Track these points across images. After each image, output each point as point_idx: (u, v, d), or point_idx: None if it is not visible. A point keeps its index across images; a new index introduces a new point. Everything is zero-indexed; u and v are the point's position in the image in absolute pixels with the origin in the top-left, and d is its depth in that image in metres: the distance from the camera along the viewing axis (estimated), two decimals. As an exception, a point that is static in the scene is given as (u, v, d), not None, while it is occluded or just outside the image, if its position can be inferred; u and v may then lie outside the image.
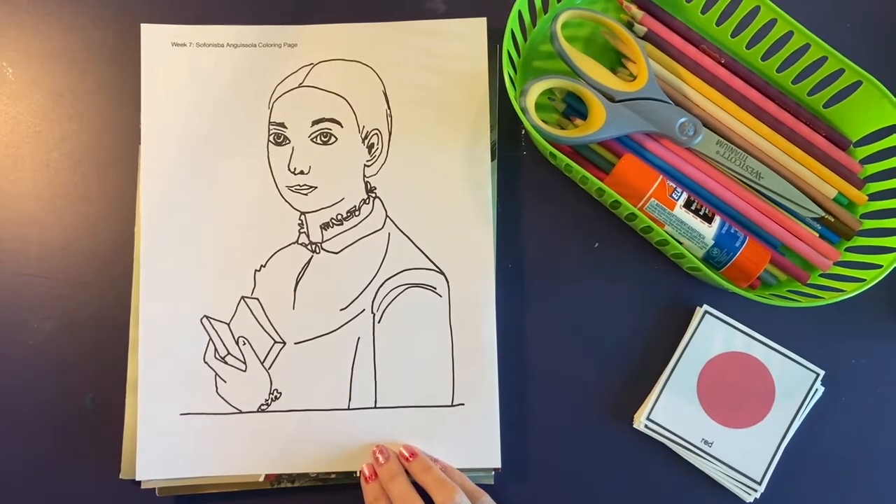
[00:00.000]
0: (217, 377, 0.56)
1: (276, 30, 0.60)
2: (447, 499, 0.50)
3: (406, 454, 0.54)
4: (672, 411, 0.57)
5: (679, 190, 0.56)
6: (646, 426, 0.57)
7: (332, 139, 0.58)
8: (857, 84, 0.57)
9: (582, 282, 0.59)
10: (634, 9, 0.60)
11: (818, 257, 0.58)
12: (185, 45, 0.59)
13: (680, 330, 0.58)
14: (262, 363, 0.56)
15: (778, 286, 0.58)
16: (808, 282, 0.57)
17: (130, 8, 0.61)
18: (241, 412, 0.55)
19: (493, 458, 0.55)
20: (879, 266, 0.54)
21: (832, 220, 0.58)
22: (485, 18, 0.59)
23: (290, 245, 0.57)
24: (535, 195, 0.60)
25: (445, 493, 0.50)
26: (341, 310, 0.56)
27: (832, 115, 0.60)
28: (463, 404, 0.56)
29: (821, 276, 0.58)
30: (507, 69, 0.56)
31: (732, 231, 0.56)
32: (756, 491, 0.56)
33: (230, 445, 0.55)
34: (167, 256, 0.57)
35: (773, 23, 0.57)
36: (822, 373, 0.57)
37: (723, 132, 0.59)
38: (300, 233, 0.57)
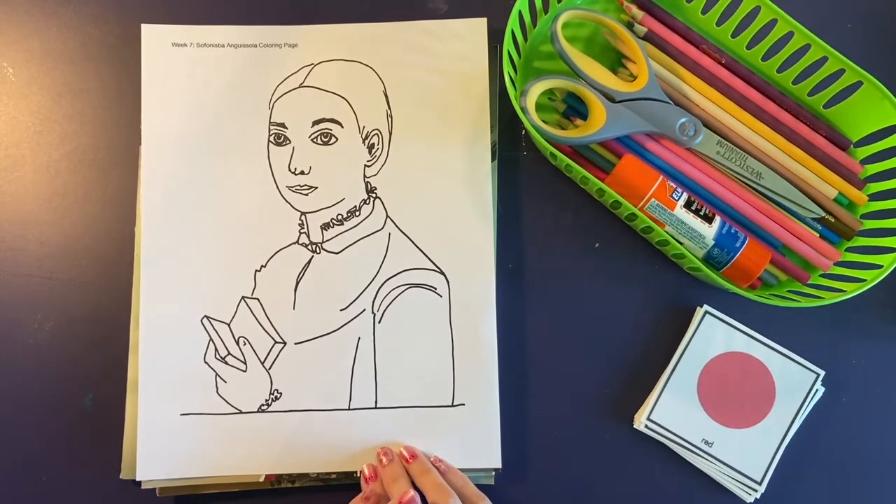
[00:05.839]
0: (217, 377, 0.56)
1: (276, 30, 0.60)
2: (441, 503, 0.50)
3: (406, 455, 0.54)
4: (672, 411, 0.57)
5: (679, 190, 0.56)
6: (646, 426, 0.57)
7: (333, 139, 0.58)
8: (858, 84, 0.57)
9: (582, 282, 0.59)
10: (635, 9, 0.60)
11: (818, 257, 0.58)
12: (185, 45, 0.59)
13: (680, 330, 0.58)
14: (262, 363, 0.56)
15: (778, 286, 0.58)
16: (809, 282, 0.57)
17: (130, 8, 0.61)
18: (241, 412, 0.55)
19: (493, 458, 0.55)
20: (880, 266, 0.54)
21: (832, 220, 0.58)
22: (485, 18, 0.59)
23: (290, 245, 0.57)
24: (535, 195, 0.60)
25: (441, 497, 0.50)
26: (341, 310, 0.56)
27: (832, 115, 0.60)
28: (463, 404, 0.56)
29: (821, 276, 0.58)
30: (507, 69, 0.56)
31: (733, 231, 0.56)
32: (756, 491, 0.56)
33: (230, 445, 0.55)
34: (168, 256, 0.57)
35: (773, 23, 0.57)
36: (822, 373, 0.57)
37: (723, 132, 0.59)
38: (300, 233, 0.57)
